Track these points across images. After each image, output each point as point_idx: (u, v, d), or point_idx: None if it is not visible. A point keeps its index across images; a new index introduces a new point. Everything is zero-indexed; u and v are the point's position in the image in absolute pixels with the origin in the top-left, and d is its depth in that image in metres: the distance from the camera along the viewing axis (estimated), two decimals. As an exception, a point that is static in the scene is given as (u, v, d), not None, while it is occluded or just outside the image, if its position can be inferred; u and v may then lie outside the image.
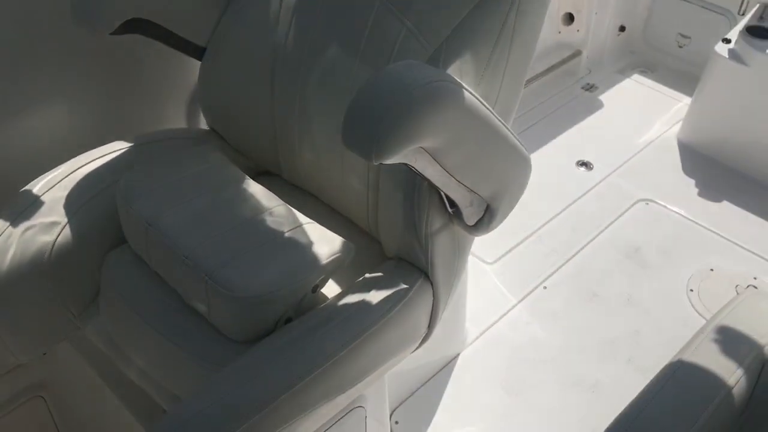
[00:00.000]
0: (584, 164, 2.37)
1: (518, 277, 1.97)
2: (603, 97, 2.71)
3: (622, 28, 2.89)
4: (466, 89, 0.96)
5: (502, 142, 1.06)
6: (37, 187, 1.23)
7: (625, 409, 0.94)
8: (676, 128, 2.52)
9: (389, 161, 0.90)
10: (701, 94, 2.41)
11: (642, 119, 2.59)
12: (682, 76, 2.80)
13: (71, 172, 1.26)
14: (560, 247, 2.06)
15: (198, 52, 1.38)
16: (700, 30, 2.76)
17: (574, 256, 2.04)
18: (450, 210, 1.14)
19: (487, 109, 1.01)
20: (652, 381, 0.98)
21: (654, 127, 2.55)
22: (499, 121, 1.04)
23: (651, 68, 2.89)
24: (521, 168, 1.13)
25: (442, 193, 1.10)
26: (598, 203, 2.22)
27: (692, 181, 2.32)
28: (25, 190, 1.23)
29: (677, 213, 2.19)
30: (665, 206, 2.21)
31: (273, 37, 1.29)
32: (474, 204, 1.11)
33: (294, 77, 1.27)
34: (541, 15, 1.15)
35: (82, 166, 1.28)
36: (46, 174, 1.26)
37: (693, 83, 2.50)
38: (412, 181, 1.12)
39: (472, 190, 1.07)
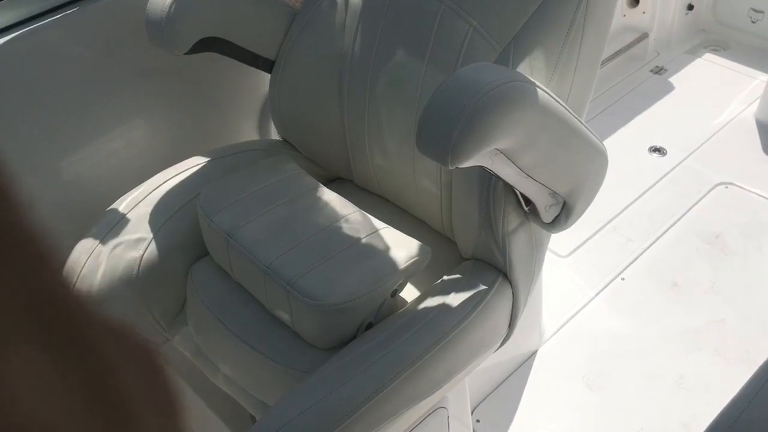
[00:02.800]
0: (657, 150, 2.30)
1: (594, 269, 1.93)
2: (673, 80, 2.62)
3: (690, 7, 2.79)
4: (539, 87, 0.95)
5: (577, 137, 1.04)
6: (122, 205, 1.28)
7: (722, 410, 0.90)
8: (754, 107, 2.42)
9: (465, 165, 0.90)
10: (779, 70, 2.31)
11: (716, 100, 2.50)
12: (757, 52, 2.68)
13: (154, 189, 1.30)
14: (636, 237, 2.01)
15: (267, 65, 1.41)
16: (774, 3, 2.65)
17: (651, 245, 1.99)
18: (526, 208, 1.13)
19: (561, 104, 1.00)
20: (751, 379, 0.94)
21: (730, 108, 2.45)
22: (573, 116, 1.03)
23: (723, 46, 2.78)
24: (598, 162, 1.11)
25: (518, 192, 1.09)
26: (674, 189, 2.15)
27: None
28: (112, 209, 1.28)
29: (759, 195, 2.10)
30: (746, 189, 2.12)
31: (340, 44, 1.31)
32: (551, 201, 1.10)
33: (362, 83, 1.28)
34: (611, 5, 1.13)
35: (164, 182, 1.32)
36: (131, 192, 1.31)
37: (769, 59, 2.40)
38: (486, 181, 1.11)
39: (548, 188, 1.06)
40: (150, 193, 1.30)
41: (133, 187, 1.32)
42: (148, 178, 1.33)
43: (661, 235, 2.01)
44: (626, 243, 2.00)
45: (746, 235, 1.99)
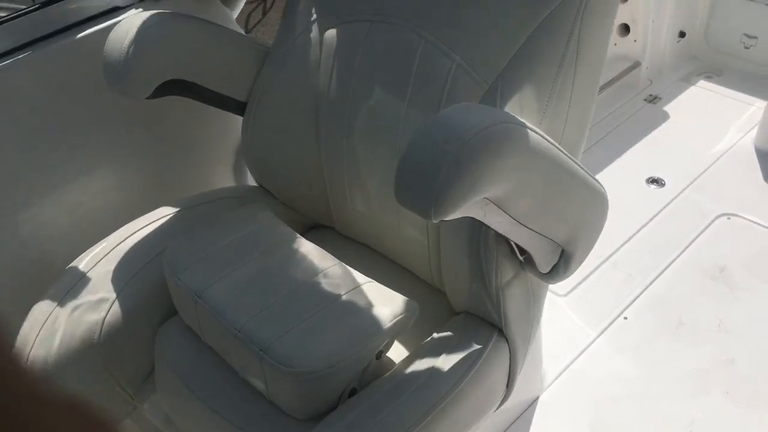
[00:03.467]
0: (655, 181, 2.22)
1: (595, 308, 1.84)
2: (668, 108, 2.56)
3: (682, 34, 2.74)
4: (529, 128, 0.86)
5: (573, 180, 0.95)
6: (83, 262, 1.19)
7: None
8: (752, 134, 2.36)
9: (451, 217, 0.81)
10: (776, 96, 2.24)
11: (713, 128, 2.43)
12: (752, 78, 2.62)
13: (118, 244, 1.21)
14: (637, 273, 1.92)
15: (239, 108, 1.32)
16: (766, 28, 2.59)
17: (653, 281, 1.90)
18: (521, 257, 1.04)
19: (554, 146, 0.91)
20: None
21: (727, 135, 2.39)
22: (568, 157, 0.94)
23: (717, 73, 2.72)
24: (597, 205, 1.02)
25: (512, 241, 1.00)
26: (674, 222, 2.07)
27: None
28: (71, 267, 1.18)
29: (762, 226, 2.02)
30: (749, 220, 2.04)
31: (315, 84, 1.22)
32: (548, 250, 1.00)
33: (339, 125, 1.19)
34: (606, 34, 1.05)
35: (129, 236, 1.22)
36: (92, 248, 1.21)
37: (764, 85, 2.33)
38: (477, 229, 1.02)
39: (544, 236, 0.97)
40: (113, 248, 1.20)
41: (96, 243, 1.22)
42: (112, 233, 1.24)
43: (664, 270, 1.93)
44: (627, 279, 1.91)
45: (751, 268, 1.90)
